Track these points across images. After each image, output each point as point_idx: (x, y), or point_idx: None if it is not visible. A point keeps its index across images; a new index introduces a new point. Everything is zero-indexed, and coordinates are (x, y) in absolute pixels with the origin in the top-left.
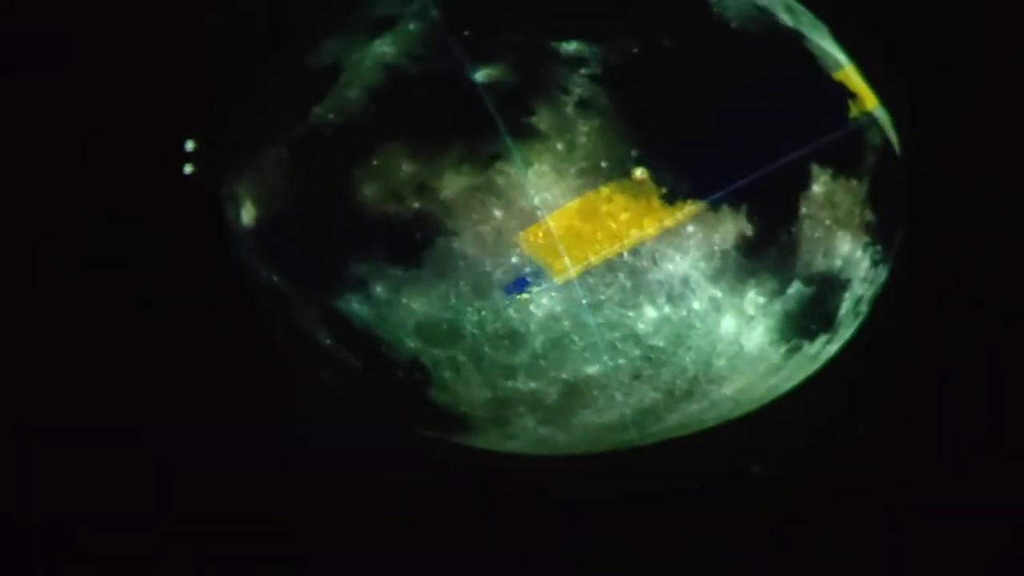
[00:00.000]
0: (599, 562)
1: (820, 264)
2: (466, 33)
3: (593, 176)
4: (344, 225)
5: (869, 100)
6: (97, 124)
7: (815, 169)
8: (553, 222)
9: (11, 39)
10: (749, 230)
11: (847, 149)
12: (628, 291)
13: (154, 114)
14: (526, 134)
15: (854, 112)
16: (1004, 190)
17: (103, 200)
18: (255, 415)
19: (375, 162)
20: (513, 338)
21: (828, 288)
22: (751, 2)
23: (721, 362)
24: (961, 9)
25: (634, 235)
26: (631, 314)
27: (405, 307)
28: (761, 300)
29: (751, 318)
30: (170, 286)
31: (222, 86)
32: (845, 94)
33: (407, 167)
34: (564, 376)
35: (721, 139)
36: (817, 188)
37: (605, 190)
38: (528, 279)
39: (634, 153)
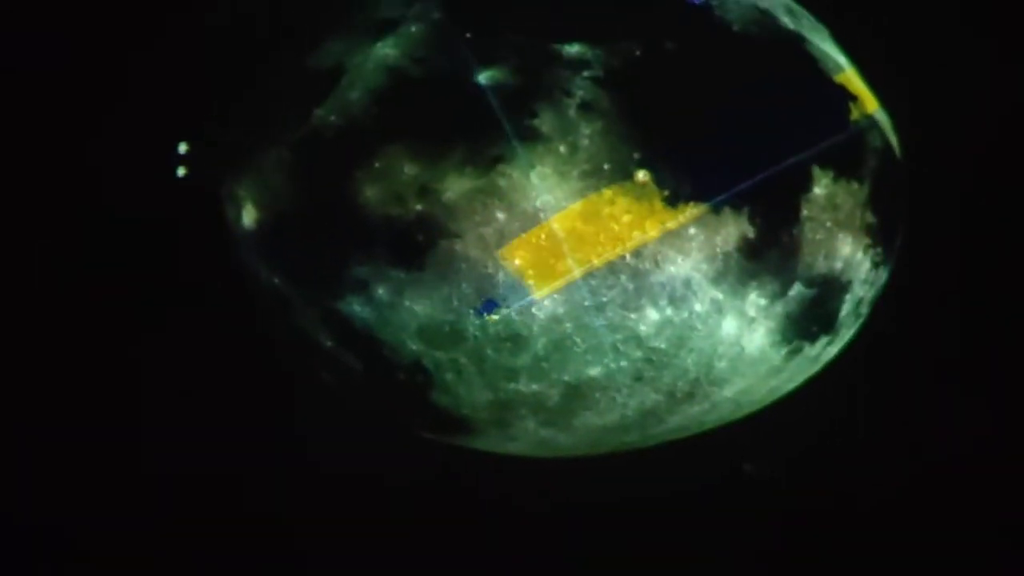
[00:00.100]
0: (600, 563)
1: (821, 266)
2: (468, 35)
3: (595, 178)
4: (346, 227)
5: (870, 103)
6: (97, 124)
7: (816, 172)
8: (556, 224)
9: (11, 39)
10: (751, 232)
11: (848, 152)
12: (630, 293)
13: (154, 114)
14: (529, 136)
15: (855, 115)
16: (1004, 192)
17: (103, 200)
18: (255, 415)
19: (377, 164)
20: (515, 340)
21: (829, 290)
22: (753, 5)
23: (722, 364)
24: (961, 11)
25: (636, 237)
26: (633, 316)
27: (407, 309)
28: (762, 302)
29: (752, 320)
30: (170, 286)
31: (222, 86)
32: (846, 97)
33: (409, 169)
34: (566, 378)
35: (723, 141)
36: (818, 190)
37: (608, 192)
38: (497, 300)
39: (636, 156)
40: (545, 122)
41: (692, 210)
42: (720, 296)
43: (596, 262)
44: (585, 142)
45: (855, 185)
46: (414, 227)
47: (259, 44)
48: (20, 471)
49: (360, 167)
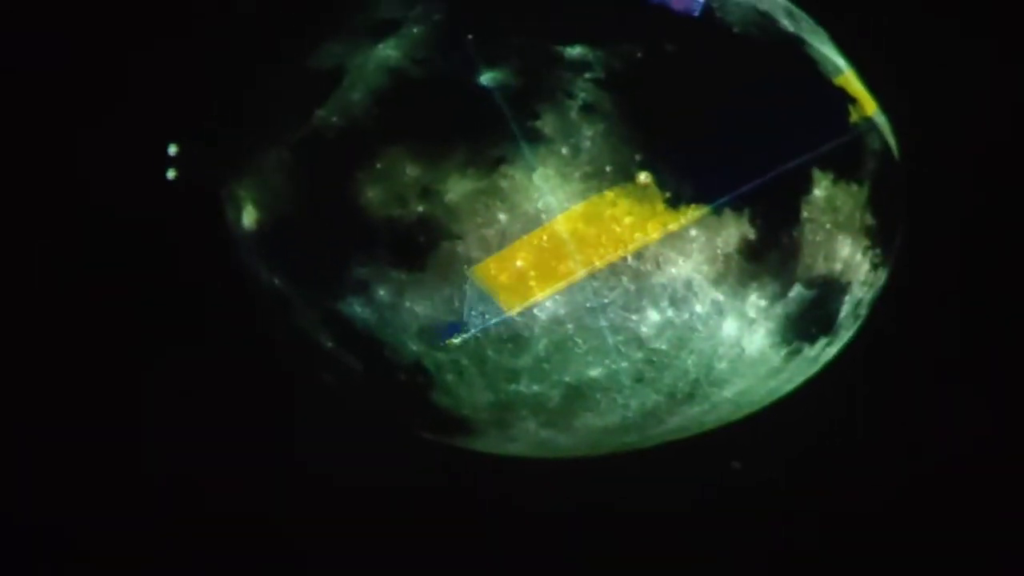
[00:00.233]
0: (600, 564)
1: (821, 267)
2: (470, 37)
3: (597, 180)
4: (346, 228)
5: (869, 105)
6: (97, 124)
7: (816, 174)
8: (558, 225)
9: (11, 39)
10: (751, 234)
11: (848, 154)
12: (631, 294)
13: (155, 114)
14: (531, 138)
15: (854, 117)
16: (1003, 193)
17: (104, 201)
18: (255, 416)
19: (378, 165)
20: (516, 341)
21: (828, 291)
22: (753, 7)
23: (722, 365)
24: (960, 14)
25: (638, 239)
26: (634, 317)
27: (408, 310)
28: (762, 303)
29: (752, 321)
30: (171, 287)
31: (223, 86)
32: (845, 99)
33: (411, 170)
34: (567, 379)
35: (723, 144)
36: (818, 192)
37: (609, 194)
38: (458, 325)
39: (638, 157)
40: (547, 124)
41: (693, 212)
42: (721, 297)
43: (598, 263)
44: (587, 144)
45: (854, 187)
46: (415, 228)
47: (260, 44)
48: (20, 471)
49: (361, 168)
